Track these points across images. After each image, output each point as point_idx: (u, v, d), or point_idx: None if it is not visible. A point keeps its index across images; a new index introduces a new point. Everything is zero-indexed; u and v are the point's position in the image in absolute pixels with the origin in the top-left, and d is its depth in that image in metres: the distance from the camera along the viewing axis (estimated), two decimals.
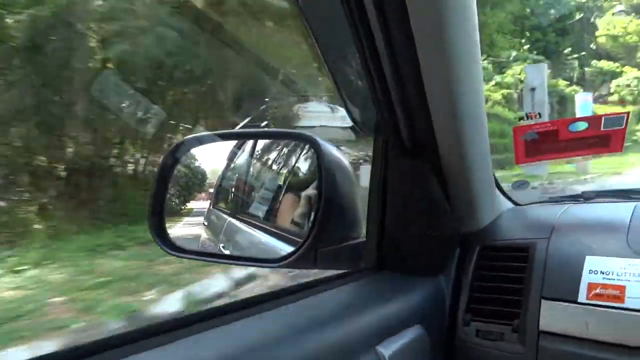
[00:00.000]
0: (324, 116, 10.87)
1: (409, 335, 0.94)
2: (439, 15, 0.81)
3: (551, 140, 1.21)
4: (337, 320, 0.85)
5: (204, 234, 1.47)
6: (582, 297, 0.95)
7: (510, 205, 1.31)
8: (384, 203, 1.07)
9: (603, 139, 1.19)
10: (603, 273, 0.96)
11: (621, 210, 1.12)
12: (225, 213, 1.48)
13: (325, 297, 0.95)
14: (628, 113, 1.22)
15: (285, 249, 1.06)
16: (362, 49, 0.91)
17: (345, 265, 1.06)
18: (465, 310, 1.08)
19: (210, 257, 1.22)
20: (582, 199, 1.31)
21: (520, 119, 1.24)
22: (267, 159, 1.43)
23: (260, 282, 4.49)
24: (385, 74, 0.92)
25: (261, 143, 1.44)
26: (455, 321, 1.08)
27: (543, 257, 1.04)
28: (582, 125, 1.20)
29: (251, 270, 4.52)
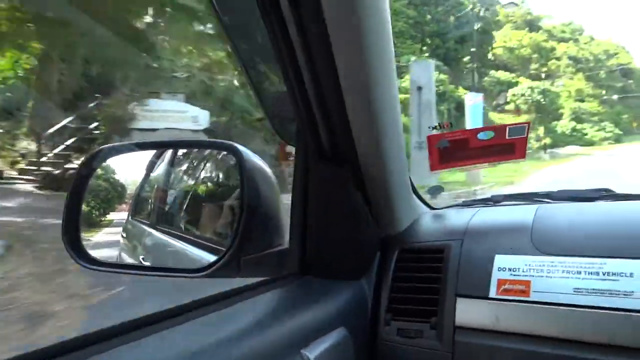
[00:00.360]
0: (172, 117, 9.96)
1: (332, 337, 0.96)
2: (354, 15, 0.84)
3: (462, 147, 1.28)
4: (260, 327, 0.85)
5: (122, 246, 1.42)
6: (492, 292, 1.02)
7: (426, 209, 1.37)
8: (305, 209, 1.09)
9: (509, 147, 1.27)
10: (510, 270, 1.03)
11: (526, 212, 1.21)
12: (145, 224, 1.44)
13: (249, 304, 0.95)
14: (529, 123, 1.32)
15: (208, 258, 1.05)
16: (279, 53, 0.93)
17: (269, 272, 1.06)
18: (387, 310, 1.12)
19: (129, 269, 1.18)
20: (491, 202, 1.40)
21: (434, 128, 1.31)
22: (188, 169, 1.41)
23: None
24: (304, 79, 0.94)
25: (181, 152, 1.42)
26: (377, 322, 1.11)
27: (457, 257, 1.10)
28: (489, 134, 1.29)
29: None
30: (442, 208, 1.41)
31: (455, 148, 1.28)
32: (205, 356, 0.73)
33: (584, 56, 46.78)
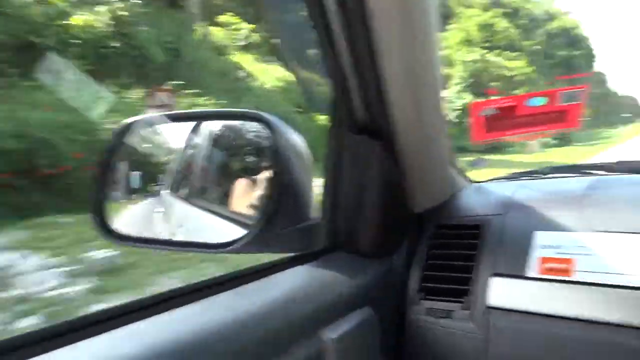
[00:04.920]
0: None
1: (357, 317, 0.92)
2: None
3: (510, 115, 1.19)
4: (282, 304, 0.82)
5: (155, 220, 1.42)
6: (532, 272, 0.94)
7: (466, 183, 1.29)
8: (337, 183, 1.04)
9: (560, 114, 1.18)
10: (554, 247, 0.95)
11: (576, 185, 1.11)
12: (179, 198, 1.43)
13: (273, 280, 0.91)
14: (586, 87, 1.21)
15: (240, 233, 1.02)
16: (315, 21, 0.86)
17: (298, 247, 1.02)
18: (418, 289, 1.06)
19: (158, 244, 1.16)
20: (539, 175, 1.30)
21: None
22: (222, 142, 1.38)
23: None
24: (336, 42, 0.87)
25: (216, 125, 1.39)
26: (406, 301, 1.06)
27: (497, 234, 1.03)
28: (541, 101, 1.19)
29: None
30: (484, 181, 1.33)
31: (503, 116, 1.19)
32: (219, 334, 0.70)
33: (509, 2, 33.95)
